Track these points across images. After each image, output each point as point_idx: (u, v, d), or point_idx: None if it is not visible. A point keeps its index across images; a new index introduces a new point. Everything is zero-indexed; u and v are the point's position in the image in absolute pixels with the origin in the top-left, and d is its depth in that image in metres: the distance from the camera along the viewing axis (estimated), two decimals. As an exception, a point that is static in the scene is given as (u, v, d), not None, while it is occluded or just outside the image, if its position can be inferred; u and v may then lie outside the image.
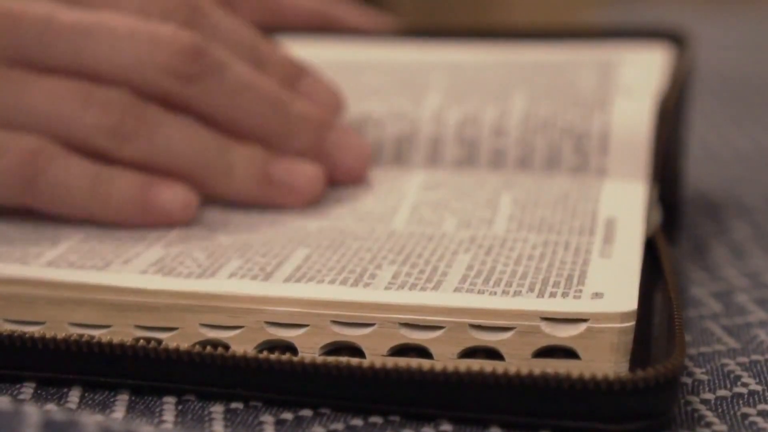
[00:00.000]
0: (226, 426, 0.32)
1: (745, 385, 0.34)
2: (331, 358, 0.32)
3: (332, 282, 0.34)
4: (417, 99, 0.46)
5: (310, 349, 0.33)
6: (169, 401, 0.33)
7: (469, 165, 0.43)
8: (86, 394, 0.33)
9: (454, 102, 0.45)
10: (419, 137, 0.44)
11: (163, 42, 0.39)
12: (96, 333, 0.34)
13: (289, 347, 0.33)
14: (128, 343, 0.33)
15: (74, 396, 0.33)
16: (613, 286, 0.34)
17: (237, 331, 0.33)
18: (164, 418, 0.32)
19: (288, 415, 0.32)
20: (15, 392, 0.33)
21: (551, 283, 0.34)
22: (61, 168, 0.39)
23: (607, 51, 0.49)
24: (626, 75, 0.47)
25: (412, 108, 0.45)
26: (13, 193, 0.39)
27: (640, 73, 0.47)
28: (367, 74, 0.49)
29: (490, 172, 0.43)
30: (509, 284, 0.34)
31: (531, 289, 0.34)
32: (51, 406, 0.33)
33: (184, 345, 0.33)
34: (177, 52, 0.39)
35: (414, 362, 0.32)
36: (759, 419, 0.32)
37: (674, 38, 0.50)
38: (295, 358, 0.32)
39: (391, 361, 0.32)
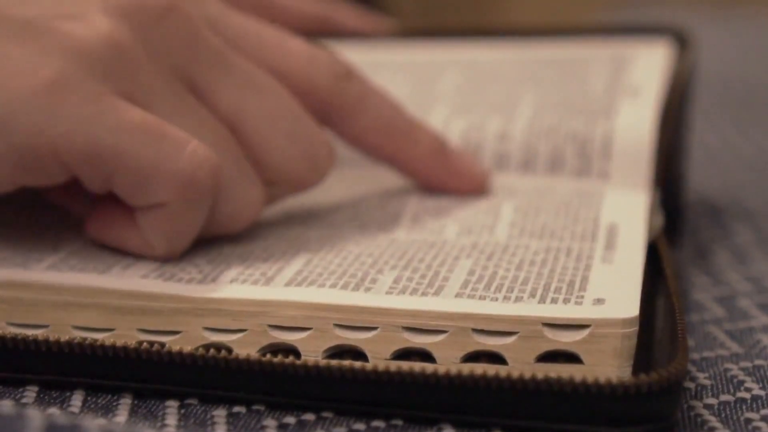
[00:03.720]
0: (228, 430, 0.32)
1: (748, 390, 0.34)
2: (333, 362, 0.32)
3: (333, 286, 0.34)
4: (425, 111, 0.46)
5: (313, 352, 0.33)
6: (172, 405, 0.33)
7: None
8: (89, 398, 0.33)
9: (461, 113, 0.45)
10: None
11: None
12: (99, 336, 0.34)
13: (293, 351, 0.33)
14: (131, 346, 0.33)
15: (77, 399, 0.33)
16: (615, 292, 0.33)
17: (240, 335, 0.33)
18: (167, 421, 0.32)
19: (290, 419, 0.32)
20: (18, 396, 0.33)
21: (553, 288, 0.34)
22: None
23: (617, 46, 0.49)
24: (636, 72, 0.47)
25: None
26: None
27: (647, 70, 0.47)
28: (377, 77, 0.49)
29: (493, 179, 0.43)
30: (510, 290, 0.34)
31: (532, 295, 0.33)
32: (54, 410, 0.33)
33: (187, 348, 0.33)
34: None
35: (417, 366, 0.32)
36: (762, 424, 0.32)
37: (677, 36, 0.50)
38: (297, 362, 0.32)
39: (394, 365, 0.32)
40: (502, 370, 0.31)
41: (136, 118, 0.35)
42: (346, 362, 0.32)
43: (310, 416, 0.32)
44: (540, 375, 0.31)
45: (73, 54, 0.35)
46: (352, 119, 0.41)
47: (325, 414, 0.32)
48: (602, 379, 0.30)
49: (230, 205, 0.37)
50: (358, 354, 0.33)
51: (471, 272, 0.35)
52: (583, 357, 0.32)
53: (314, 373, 0.32)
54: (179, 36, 0.37)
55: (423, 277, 0.35)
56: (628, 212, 0.39)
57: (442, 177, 0.42)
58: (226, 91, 0.38)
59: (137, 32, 0.37)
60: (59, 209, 0.40)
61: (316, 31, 0.55)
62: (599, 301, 0.33)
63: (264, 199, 0.38)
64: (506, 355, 0.32)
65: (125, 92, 0.36)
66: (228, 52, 0.38)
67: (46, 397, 0.33)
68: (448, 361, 0.32)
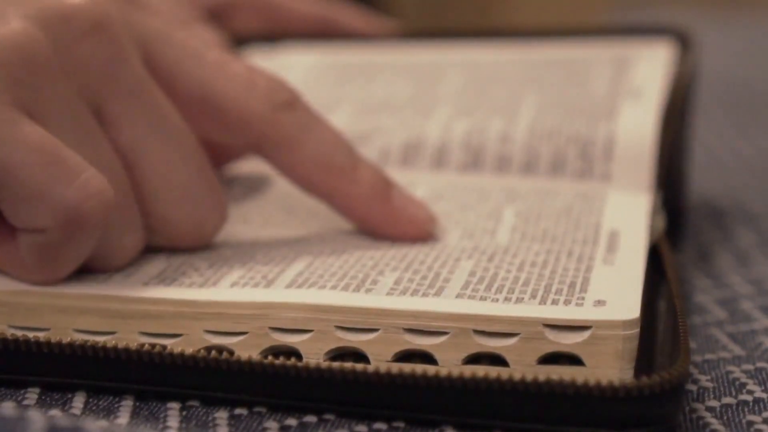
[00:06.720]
0: (230, 431, 0.32)
1: (750, 392, 0.34)
2: (335, 364, 0.32)
3: (334, 288, 0.34)
4: (426, 112, 0.46)
5: (314, 354, 0.33)
6: (174, 407, 0.33)
7: (474, 170, 0.44)
8: (90, 400, 0.33)
9: (463, 114, 0.45)
10: (426, 144, 0.44)
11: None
12: (101, 339, 0.34)
13: (294, 353, 0.33)
14: (132, 348, 0.33)
15: (79, 401, 0.33)
16: (616, 294, 0.33)
17: (241, 337, 0.33)
18: (168, 423, 0.32)
19: (292, 421, 0.32)
20: (19, 398, 0.33)
21: (553, 290, 0.34)
22: None
23: (619, 47, 0.49)
24: (638, 73, 0.47)
25: (421, 121, 0.45)
26: None
27: (649, 72, 0.47)
28: (379, 78, 0.49)
29: (494, 182, 0.43)
30: (511, 291, 0.34)
31: (533, 296, 0.33)
32: (55, 412, 0.33)
33: (189, 350, 0.33)
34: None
35: (418, 368, 0.32)
36: (764, 427, 0.32)
37: (679, 37, 0.50)
38: (299, 363, 0.32)
39: (395, 367, 0.32)
40: (503, 372, 0.31)
41: (33, 135, 0.33)
42: (348, 364, 0.32)
43: (311, 418, 0.32)
44: (541, 377, 0.31)
45: None
46: (286, 151, 0.38)
47: (327, 416, 0.32)
48: (604, 382, 0.30)
49: (103, 245, 0.35)
50: (359, 356, 0.33)
51: (472, 273, 0.35)
52: (584, 359, 0.32)
53: (316, 375, 0.32)
54: (99, 57, 0.35)
55: (424, 278, 0.35)
56: (630, 214, 0.39)
57: (381, 221, 0.39)
58: (132, 125, 0.36)
59: (56, 45, 0.35)
60: None
61: (318, 33, 0.55)
62: (600, 303, 0.33)
63: (140, 247, 0.37)
64: (507, 356, 0.32)
65: (25, 104, 0.34)
66: (147, 85, 0.36)
67: (47, 399, 0.33)
68: (450, 363, 0.32)
